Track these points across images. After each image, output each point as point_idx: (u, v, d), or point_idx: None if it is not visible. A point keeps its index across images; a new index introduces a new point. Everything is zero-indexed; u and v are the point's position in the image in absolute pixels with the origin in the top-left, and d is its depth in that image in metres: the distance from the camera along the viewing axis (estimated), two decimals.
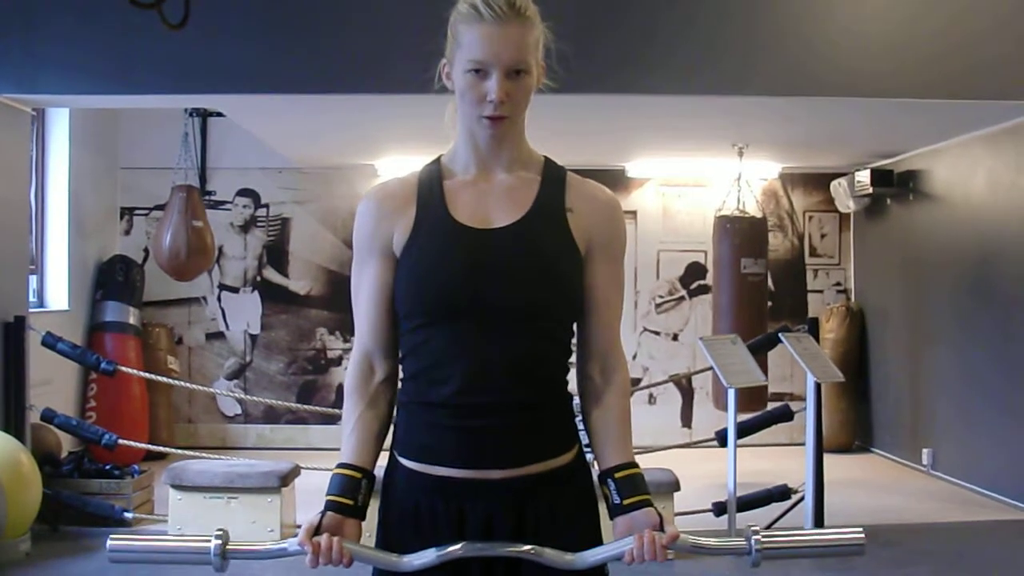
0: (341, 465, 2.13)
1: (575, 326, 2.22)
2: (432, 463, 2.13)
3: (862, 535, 2.05)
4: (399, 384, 2.21)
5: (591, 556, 2.04)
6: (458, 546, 2.01)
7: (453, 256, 2.11)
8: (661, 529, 2.05)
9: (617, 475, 2.12)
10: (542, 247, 2.13)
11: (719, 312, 9.03)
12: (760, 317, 8.90)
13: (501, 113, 2.10)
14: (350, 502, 2.08)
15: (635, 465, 2.14)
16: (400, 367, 2.21)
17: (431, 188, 2.18)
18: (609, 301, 2.21)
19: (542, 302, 2.12)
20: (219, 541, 2.00)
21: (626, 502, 2.09)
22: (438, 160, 2.24)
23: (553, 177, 2.21)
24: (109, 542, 2.05)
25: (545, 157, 2.25)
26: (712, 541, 2.09)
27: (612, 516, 2.11)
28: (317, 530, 2.03)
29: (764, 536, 2.02)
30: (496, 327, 2.09)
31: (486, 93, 2.08)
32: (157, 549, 2.08)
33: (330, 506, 2.07)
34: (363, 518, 2.10)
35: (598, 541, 2.16)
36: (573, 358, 2.19)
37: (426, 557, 2.01)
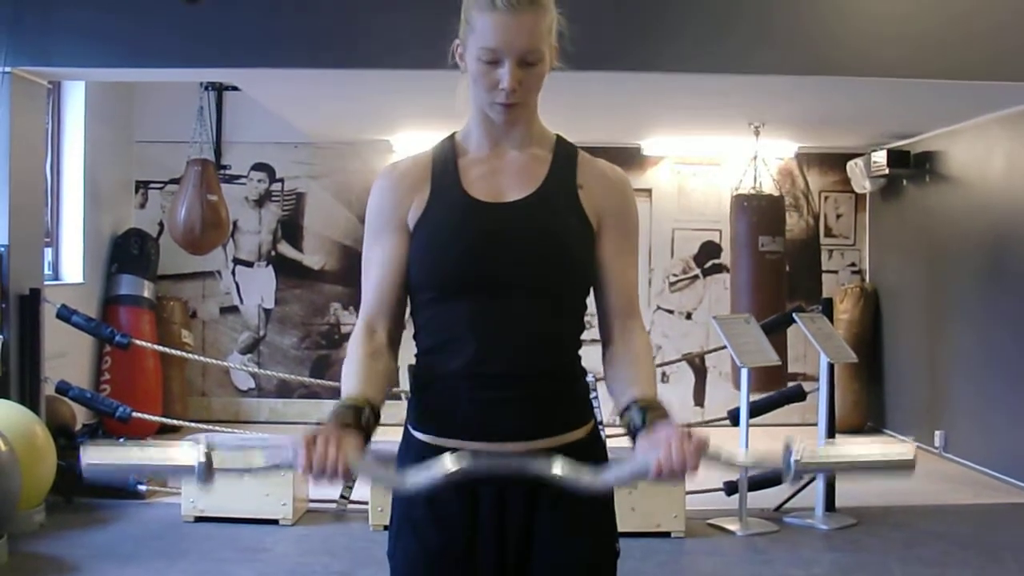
0: (341, 401, 2.04)
1: (595, 301, 2.22)
2: (446, 436, 2.13)
3: (911, 454, 1.91)
4: (412, 361, 2.21)
5: (615, 473, 1.93)
6: (463, 462, 1.91)
7: (467, 230, 2.12)
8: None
9: (640, 402, 2.05)
10: (554, 221, 2.14)
11: (737, 290, 9.03)
12: (778, 295, 8.90)
13: (514, 100, 2.11)
14: (350, 419, 1.97)
15: (657, 399, 2.07)
16: (414, 343, 2.21)
17: (445, 165, 2.20)
18: (625, 272, 2.22)
19: (554, 275, 2.13)
20: (204, 460, 1.86)
21: (649, 418, 2.00)
22: (452, 137, 2.25)
23: (565, 154, 2.23)
24: (84, 455, 1.92)
25: (557, 135, 2.26)
26: (745, 458, 1.96)
27: (633, 439, 2.01)
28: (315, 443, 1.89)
29: (805, 450, 1.89)
30: (509, 300, 2.10)
31: (499, 80, 2.09)
32: (139, 462, 1.94)
33: (331, 418, 1.97)
34: (366, 439, 1.97)
35: (612, 518, 2.16)
36: (586, 335, 2.19)
37: (430, 474, 1.92)
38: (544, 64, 2.12)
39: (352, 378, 2.09)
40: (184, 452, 1.88)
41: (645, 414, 2.01)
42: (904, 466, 1.89)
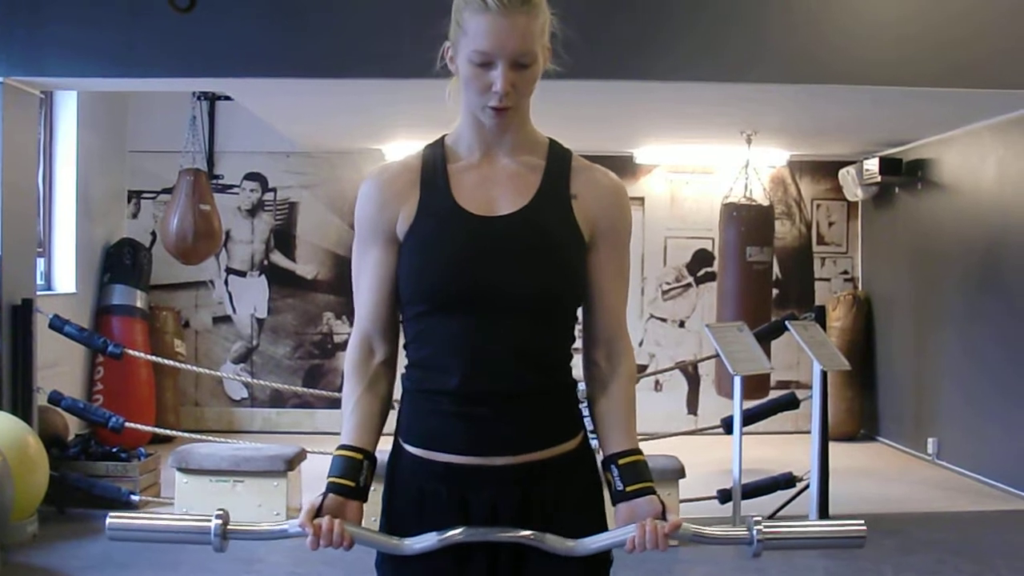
0: (342, 447, 2.12)
1: (580, 313, 2.21)
2: (436, 449, 2.12)
3: (863, 528, 2.04)
4: (403, 371, 2.20)
5: (592, 543, 2.04)
6: (459, 530, 2.01)
7: (457, 244, 2.10)
8: (663, 517, 2.05)
9: (621, 462, 2.11)
10: (546, 235, 2.12)
11: (723, 299, 9.03)
12: (764, 305, 8.90)
13: (506, 104, 2.07)
14: (351, 483, 2.07)
15: (639, 452, 2.13)
16: (404, 353, 2.20)
17: (435, 172, 2.16)
18: (614, 288, 2.20)
19: (546, 290, 2.11)
20: (219, 521, 2.00)
21: (629, 489, 2.09)
22: (442, 141, 2.22)
23: (558, 162, 2.19)
24: (108, 520, 2.05)
25: (550, 139, 2.23)
26: (714, 531, 2.09)
27: (615, 503, 2.11)
28: (318, 512, 2.03)
29: (766, 527, 2.02)
30: (500, 314, 2.08)
31: (491, 83, 2.05)
32: (157, 528, 2.08)
33: (331, 488, 2.07)
34: (365, 500, 2.09)
35: (603, 528, 2.16)
36: (578, 344, 2.19)
37: (427, 541, 2.01)
38: (537, 66, 2.09)
39: (351, 420, 2.15)
40: (200, 521, 2.02)
41: (625, 482, 2.10)
42: (856, 542, 2.05)
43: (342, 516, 2.03)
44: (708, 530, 2.07)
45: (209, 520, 2.00)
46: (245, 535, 2.04)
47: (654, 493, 2.09)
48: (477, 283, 2.08)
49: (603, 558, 2.17)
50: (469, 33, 2.05)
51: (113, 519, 2.04)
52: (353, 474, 2.08)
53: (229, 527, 2.00)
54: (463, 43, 2.06)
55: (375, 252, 2.16)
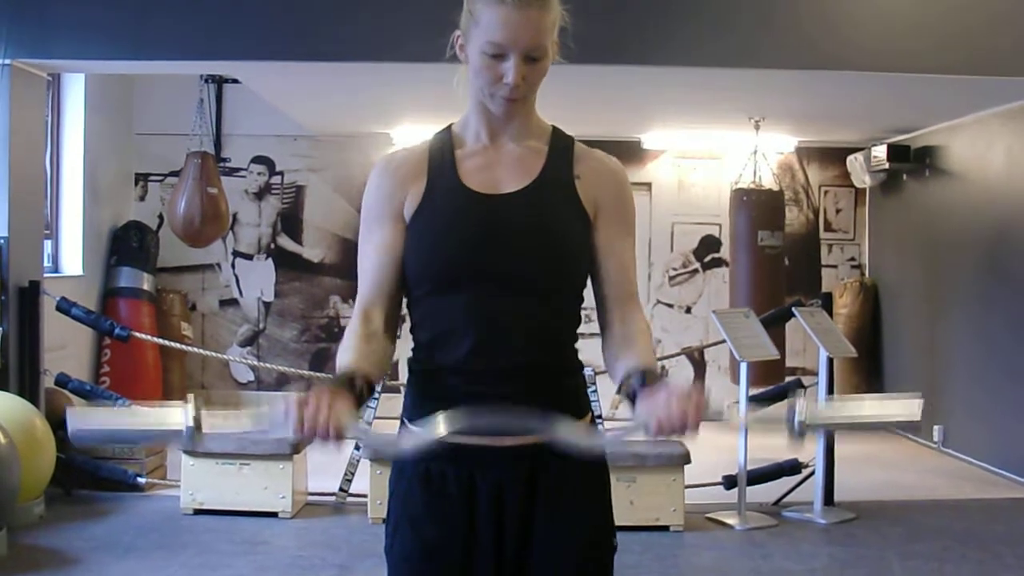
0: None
1: (592, 288, 2.22)
2: None
3: (918, 411, 1.88)
4: (409, 354, 2.21)
5: (614, 434, 1.94)
6: (460, 422, 1.91)
7: (463, 222, 2.13)
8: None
9: (640, 369, 2.06)
10: (550, 213, 2.15)
11: (736, 285, 9.03)
12: (777, 290, 8.90)
13: (516, 96, 2.11)
14: (344, 383, 1.99)
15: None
16: (411, 337, 2.21)
17: (442, 156, 2.19)
18: (622, 260, 2.22)
19: (550, 268, 2.13)
20: (192, 424, 1.86)
21: (649, 380, 2.02)
22: (449, 129, 2.25)
23: (561, 146, 2.23)
24: (70, 424, 1.88)
25: (553, 126, 2.27)
26: (747, 418, 1.96)
27: (633, 403, 2.01)
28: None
29: (809, 408, 1.88)
30: (505, 293, 2.10)
31: (502, 75, 2.08)
32: (125, 430, 1.94)
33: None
34: (358, 404, 1.99)
35: (609, 511, 2.16)
36: (585, 328, 2.19)
37: (425, 435, 1.91)
38: (547, 60, 2.12)
39: (346, 354, 2.11)
40: (172, 415, 1.87)
41: (645, 377, 2.03)
42: (909, 425, 1.89)
43: (333, 405, 1.89)
44: (740, 415, 1.92)
45: (182, 420, 1.86)
46: (221, 433, 1.90)
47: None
48: (482, 261, 2.10)
49: (608, 543, 2.18)
50: (482, 24, 2.07)
51: (76, 416, 1.88)
52: (348, 379, 2.02)
53: (204, 428, 1.85)
54: (475, 33, 2.09)
55: (381, 233, 2.18)
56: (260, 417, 1.89)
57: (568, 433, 1.91)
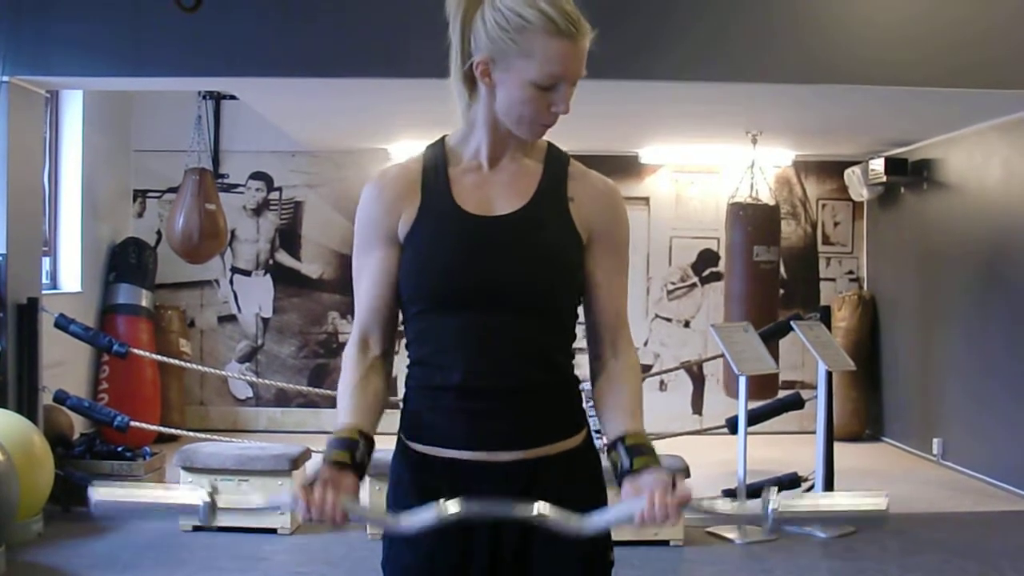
0: (337, 431, 2.09)
1: (583, 315, 2.22)
2: (440, 446, 2.14)
3: (884, 502, 1.96)
4: (406, 370, 2.21)
5: (600, 518, 1.98)
6: (456, 508, 1.95)
7: (457, 243, 2.12)
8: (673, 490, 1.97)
9: (628, 441, 2.08)
10: (544, 234, 2.14)
11: (731, 299, 9.03)
12: (771, 305, 8.89)
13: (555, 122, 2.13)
14: (346, 458, 2.02)
15: (645, 433, 2.10)
16: (407, 353, 2.21)
17: (436, 175, 2.19)
18: (613, 287, 2.22)
19: (543, 290, 2.13)
20: (208, 500, 1.96)
21: (636, 465, 2.03)
22: (443, 141, 2.24)
23: (556, 165, 2.23)
24: (93, 497, 1.99)
25: (548, 143, 2.26)
26: (726, 504, 2.03)
27: (620, 482, 2.05)
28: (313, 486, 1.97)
29: (783, 501, 1.94)
30: (498, 314, 2.10)
31: (551, 104, 2.10)
32: (144, 504, 2.04)
33: (326, 462, 2.02)
34: (362, 476, 2.04)
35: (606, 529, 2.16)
36: (580, 343, 2.19)
37: (423, 517, 1.96)
38: None
39: (346, 404, 2.13)
40: (189, 493, 1.99)
41: (632, 458, 2.04)
42: (877, 516, 1.97)
43: (337, 488, 1.96)
44: (721, 504, 2.00)
45: (199, 497, 1.96)
46: (235, 509, 2.02)
47: (661, 468, 2.03)
48: (477, 280, 2.10)
49: (604, 559, 2.18)
50: (537, 56, 2.05)
51: (99, 490, 1.99)
52: (349, 450, 2.04)
53: (219, 506, 1.97)
54: (523, 65, 2.07)
55: (376, 254, 2.18)
56: (271, 500, 2.03)
57: (557, 516, 1.96)
